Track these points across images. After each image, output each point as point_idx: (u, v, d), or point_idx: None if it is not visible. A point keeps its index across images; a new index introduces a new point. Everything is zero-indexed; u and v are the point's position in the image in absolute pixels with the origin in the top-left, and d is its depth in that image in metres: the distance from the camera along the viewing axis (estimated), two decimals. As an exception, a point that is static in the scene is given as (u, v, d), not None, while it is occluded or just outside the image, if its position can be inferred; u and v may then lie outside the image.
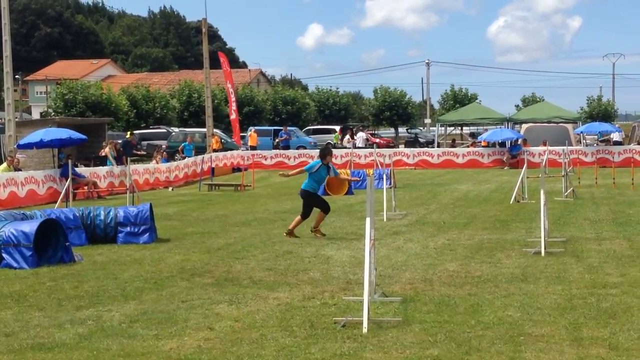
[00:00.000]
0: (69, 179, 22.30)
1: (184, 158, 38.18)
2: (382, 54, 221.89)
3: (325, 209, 16.60)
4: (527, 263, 13.02)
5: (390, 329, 8.84)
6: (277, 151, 47.05)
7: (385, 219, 19.11)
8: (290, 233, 16.46)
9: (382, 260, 13.27)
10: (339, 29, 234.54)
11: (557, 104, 52.05)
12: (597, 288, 10.89)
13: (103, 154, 34.45)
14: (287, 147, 48.66)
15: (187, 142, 41.48)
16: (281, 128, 53.51)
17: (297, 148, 51.25)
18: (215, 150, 42.41)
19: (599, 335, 8.47)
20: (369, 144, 52.41)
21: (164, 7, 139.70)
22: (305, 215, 16.54)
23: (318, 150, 18.54)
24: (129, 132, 40.98)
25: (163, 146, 45.63)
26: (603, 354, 7.83)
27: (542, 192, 14.57)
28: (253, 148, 48.29)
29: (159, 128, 57.26)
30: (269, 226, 18.63)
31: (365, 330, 8.71)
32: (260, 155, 45.21)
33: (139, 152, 41.67)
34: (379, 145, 55.15)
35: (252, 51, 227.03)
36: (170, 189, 31.94)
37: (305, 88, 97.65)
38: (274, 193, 28.73)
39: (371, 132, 72.12)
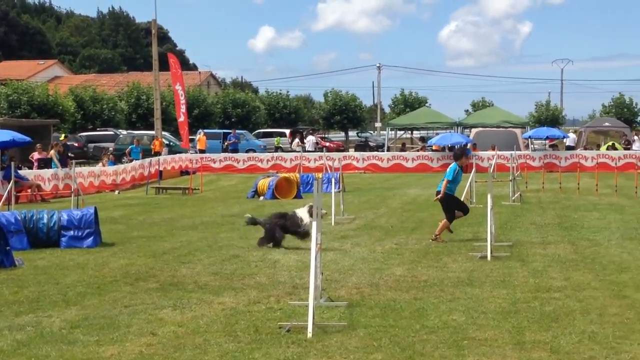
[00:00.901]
0: (11, 182, 21.95)
1: (131, 161, 37.85)
2: (333, 57, 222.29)
3: (466, 210, 16.58)
4: (473, 267, 13.12)
5: (335, 334, 8.84)
6: (226, 154, 46.87)
7: (333, 223, 19.14)
8: (437, 238, 16.09)
9: (329, 265, 13.29)
10: (290, 32, 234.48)
11: (506, 109, 52.72)
12: (541, 292, 11.02)
13: (37, 158, 33.91)
14: (235, 151, 48.47)
15: (134, 145, 41.13)
16: (231, 131, 53.31)
17: (247, 151, 51.12)
18: (156, 153, 42.06)
19: (541, 338, 8.57)
20: (318, 148, 52.48)
21: (113, 7, 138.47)
22: (451, 218, 16.28)
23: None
24: (63, 135, 40.54)
25: (110, 149, 45.19)
26: (544, 357, 7.92)
27: (489, 196, 14.70)
28: (202, 151, 48.06)
29: (106, 130, 56.70)
30: (216, 230, 18.54)
31: (309, 335, 8.70)
32: (209, 159, 45.00)
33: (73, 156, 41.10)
34: (329, 149, 55.31)
35: (202, 53, 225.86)
36: (116, 192, 31.65)
37: (256, 91, 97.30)
38: (223, 196, 28.62)
39: (321, 135, 72.21)
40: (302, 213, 15.38)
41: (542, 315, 9.62)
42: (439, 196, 16.32)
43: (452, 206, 16.40)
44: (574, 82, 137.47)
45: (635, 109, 66.99)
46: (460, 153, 17.05)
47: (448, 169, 16.41)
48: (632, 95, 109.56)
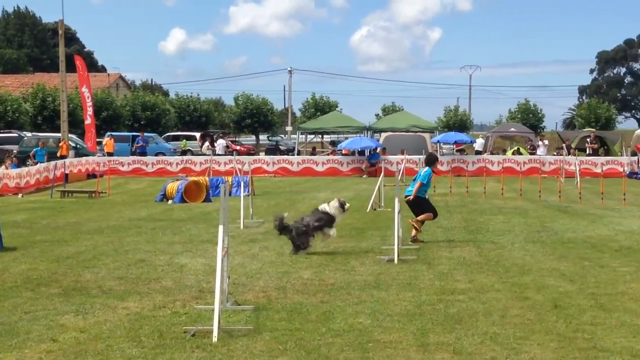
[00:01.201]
0: None
1: (35, 164, 37.03)
2: (245, 61, 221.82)
3: (435, 213, 16.96)
4: (380, 270, 13.23)
5: (241, 338, 8.80)
6: (135, 157, 46.30)
7: (242, 227, 19.08)
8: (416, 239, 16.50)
9: (237, 268, 13.23)
10: (202, 35, 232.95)
11: (415, 114, 53.34)
12: (445, 294, 11.18)
13: None
14: (144, 154, 47.92)
15: (39, 147, 40.26)
16: (139, 134, 52.66)
17: (156, 154, 50.57)
18: (62, 157, 41.28)
19: (445, 340, 8.69)
20: (229, 151, 52.27)
21: (19, 7, 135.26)
22: (435, 214, 16.93)
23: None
24: None
25: (14, 151, 44.14)
26: (447, 358, 8.03)
27: (396, 200, 14.86)
28: (110, 154, 47.38)
29: (10, 132, 55.38)
30: (122, 234, 18.27)
31: (215, 339, 8.64)
32: (117, 162, 44.37)
33: None
34: (239, 153, 55.15)
35: (112, 55, 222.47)
36: (20, 195, 30.91)
37: (166, 94, 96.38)
38: (130, 200, 28.23)
39: (232, 139, 71.95)
40: (333, 210, 15.55)
41: (446, 317, 9.76)
42: (411, 198, 16.73)
43: (424, 208, 16.82)
44: (482, 87, 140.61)
45: (540, 115, 68.64)
46: (434, 158, 17.77)
47: (422, 173, 16.93)
48: (537, 101, 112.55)
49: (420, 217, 16.82)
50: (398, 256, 14.08)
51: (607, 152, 48.39)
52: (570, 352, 8.18)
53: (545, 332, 8.99)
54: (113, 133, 56.01)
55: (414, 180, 17.11)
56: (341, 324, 9.47)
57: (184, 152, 56.41)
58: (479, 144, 54.25)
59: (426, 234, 17.97)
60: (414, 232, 16.59)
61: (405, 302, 10.71)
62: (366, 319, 9.72)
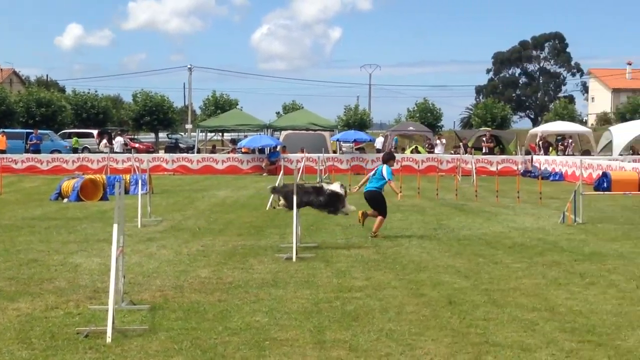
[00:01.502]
0: None
1: None
2: (144, 58, 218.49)
3: (385, 212, 17.39)
4: (279, 268, 13.24)
5: (136, 338, 8.68)
6: (29, 155, 45.24)
7: (139, 226, 18.84)
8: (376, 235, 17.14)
9: (133, 268, 13.06)
10: (99, 30, 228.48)
11: (316, 112, 53.63)
12: (343, 292, 11.26)
13: None
14: (37, 151, 46.83)
15: None
16: (33, 131, 51.41)
17: (52, 152, 49.46)
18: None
19: (341, 337, 8.75)
20: (127, 149, 51.53)
21: None
22: (385, 214, 17.36)
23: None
24: None
25: None
26: (343, 355, 8.09)
27: (294, 198, 14.87)
28: (2, 152, 46.15)
29: None
30: (14, 233, 17.79)
31: (109, 339, 8.50)
32: (10, 159, 43.28)
33: None
34: (138, 150, 54.44)
35: (4, 49, 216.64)
36: None
37: (62, 90, 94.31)
38: (24, 199, 27.52)
39: (130, 136, 70.92)
40: (334, 187, 16.36)
41: (343, 315, 9.83)
42: (377, 191, 17.35)
43: (382, 204, 17.32)
44: (382, 86, 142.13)
45: (438, 114, 69.73)
46: (392, 157, 18.82)
47: (385, 171, 17.46)
48: (436, 101, 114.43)
49: (371, 213, 17.37)
50: (296, 254, 14.11)
51: (503, 151, 49.56)
52: (463, 347, 8.35)
53: (439, 328, 9.15)
54: (5, 130, 54.51)
55: (373, 176, 17.67)
56: (238, 322, 9.45)
57: (74, 150, 55.16)
58: (378, 142, 54.87)
59: (325, 232, 18.08)
60: (360, 218, 17.43)
61: (302, 299, 10.74)
62: (263, 317, 9.72)
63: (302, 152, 42.56)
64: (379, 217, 17.33)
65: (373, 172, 17.99)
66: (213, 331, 9.01)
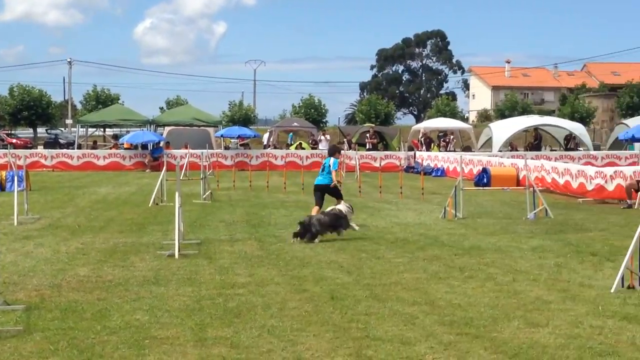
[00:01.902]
0: None
1: None
2: (20, 50, 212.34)
3: (340, 196, 18.46)
4: (161, 266, 13.09)
5: (9, 339, 8.43)
6: None
7: (16, 223, 18.34)
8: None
9: (8, 267, 12.72)
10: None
11: (200, 108, 53.22)
12: (225, 288, 11.21)
13: None
14: None
15: None
16: None
17: None
18: None
19: (223, 334, 8.71)
20: (3, 145, 50.03)
21: None
22: (321, 205, 18.11)
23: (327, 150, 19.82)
24: None
25: None
26: (224, 352, 8.05)
27: (177, 195, 14.71)
28: None
29: None
30: None
31: (-19, 342, 8.24)
32: None
33: None
34: (15, 146, 52.95)
35: None
36: None
37: None
38: None
39: (7, 132, 68.86)
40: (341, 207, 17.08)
41: (225, 312, 9.78)
42: (334, 184, 18.25)
43: (338, 191, 18.51)
44: (267, 82, 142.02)
45: (323, 110, 70.10)
46: (336, 149, 19.52)
47: (332, 163, 18.32)
48: (321, 97, 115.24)
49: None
50: (179, 251, 13.97)
51: (386, 147, 50.27)
52: (344, 342, 8.42)
53: (321, 323, 9.20)
54: None
55: (322, 170, 18.55)
56: (117, 321, 9.29)
57: None
58: (265, 138, 54.86)
59: (208, 229, 17.97)
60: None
61: (184, 297, 10.65)
62: (144, 315, 9.58)
63: (186, 148, 42.21)
64: (339, 202, 17.98)
65: (322, 166, 18.85)
66: (91, 330, 8.83)
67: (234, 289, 11.22)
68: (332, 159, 18.44)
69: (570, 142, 48.26)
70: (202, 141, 44.55)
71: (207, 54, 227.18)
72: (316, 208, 17.97)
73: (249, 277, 12.10)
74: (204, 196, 24.71)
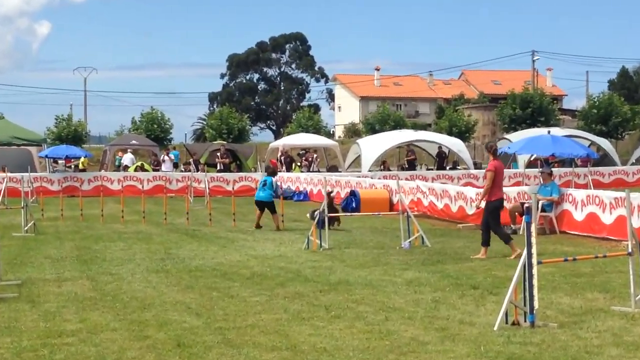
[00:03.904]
0: None
1: None
2: None
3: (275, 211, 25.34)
4: (-27, 313, 12.74)
5: None
6: None
7: None
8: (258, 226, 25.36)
9: None
10: None
11: (20, 124, 52.09)
12: (52, 337, 10.99)
13: None
14: None
15: None
16: None
17: None
18: None
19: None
20: None
21: None
22: (275, 211, 25.21)
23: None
24: None
25: None
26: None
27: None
28: None
29: None
30: None
31: None
32: None
33: None
34: None
35: None
36: None
37: None
38: None
39: None
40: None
41: (51, 365, 9.60)
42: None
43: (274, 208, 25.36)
44: (101, 93, 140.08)
45: (167, 125, 69.47)
46: (273, 170, 27.72)
47: (270, 182, 25.53)
48: (164, 110, 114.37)
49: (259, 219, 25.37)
50: None
51: (240, 168, 50.33)
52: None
53: (166, 375, 9.14)
54: None
55: (263, 186, 25.40)
56: None
57: None
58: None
59: (31, 266, 17.59)
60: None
61: (1, 349, 10.39)
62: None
63: (4, 171, 41.14)
64: (274, 216, 25.08)
65: (262, 183, 25.69)
66: None
67: (62, 337, 11.02)
68: (272, 178, 25.56)
69: (445, 160, 49.42)
70: (23, 163, 43.51)
71: (29, 59, 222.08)
72: (258, 212, 25.30)
73: (79, 323, 11.90)
74: (25, 228, 24.16)
